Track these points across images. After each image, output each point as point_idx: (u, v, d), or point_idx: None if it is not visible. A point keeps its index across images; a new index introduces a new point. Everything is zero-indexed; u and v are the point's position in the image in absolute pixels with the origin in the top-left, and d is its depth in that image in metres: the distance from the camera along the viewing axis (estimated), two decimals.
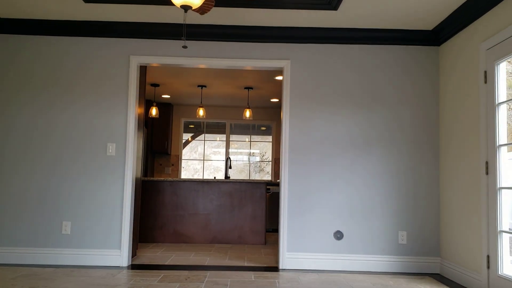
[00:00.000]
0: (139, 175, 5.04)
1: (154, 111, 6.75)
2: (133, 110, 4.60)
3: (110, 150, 4.57)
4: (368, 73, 4.68)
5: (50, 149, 4.57)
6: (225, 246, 5.99)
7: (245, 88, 6.82)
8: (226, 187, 6.28)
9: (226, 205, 6.26)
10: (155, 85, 6.76)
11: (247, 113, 6.82)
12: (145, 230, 6.18)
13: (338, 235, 4.54)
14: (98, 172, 4.55)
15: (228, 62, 4.65)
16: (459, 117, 4.21)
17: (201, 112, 6.73)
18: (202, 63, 4.67)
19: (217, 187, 6.27)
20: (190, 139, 9.38)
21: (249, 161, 9.36)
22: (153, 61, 4.65)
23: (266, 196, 6.31)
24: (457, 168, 4.21)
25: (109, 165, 4.56)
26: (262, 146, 9.94)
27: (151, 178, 6.20)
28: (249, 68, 4.76)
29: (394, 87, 4.67)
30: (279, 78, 6.17)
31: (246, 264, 4.74)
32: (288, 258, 4.51)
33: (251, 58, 4.65)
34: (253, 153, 9.55)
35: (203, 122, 9.14)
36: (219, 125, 9.53)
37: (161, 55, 4.65)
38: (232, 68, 4.75)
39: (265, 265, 4.67)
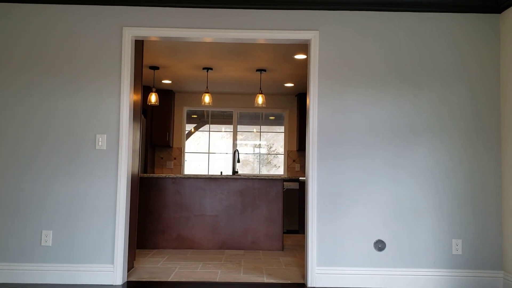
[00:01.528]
0: (135, 171, 4.21)
1: (153, 98, 5.90)
2: (127, 95, 3.76)
3: (100, 143, 3.74)
4: (415, 47, 3.83)
5: (26, 142, 3.73)
6: (237, 253, 5.18)
7: (257, 70, 5.96)
8: (237, 185, 5.46)
9: (237, 206, 5.44)
10: (154, 68, 5.91)
11: (259, 99, 5.97)
12: (145, 234, 5.37)
13: (380, 245, 3.72)
14: (85, 170, 3.72)
15: (240, 34, 3.80)
16: None
17: (206, 98, 5.88)
18: (210, 36, 3.81)
19: (226, 185, 5.45)
20: (193, 130, 8.55)
21: (259, 153, 8.53)
22: (150, 33, 3.80)
23: (283, 195, 5.50)
24: None
25: (99, 160, 3.73)
26: (269, 138, 9.15)
27: (151, 175, 5.37)
28: (263, 41, 3.91)
29: (447, 63, 3.82)
30: (300, 57, 5.30)
31: (265, 279, 3.92)
32: (318, 273, 3.69)
33: (268, 29, 3.80)
34: (260, 145, 8.74)
35: (207, 112, 8.29)
36: (224, 115, 8.69)
37: (161, 26, 3.80)
38: (245, 41, 3.90)
39: (289, 281, 3.86)
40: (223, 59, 5.48)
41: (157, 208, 5.41)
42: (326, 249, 3.72)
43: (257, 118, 8.59)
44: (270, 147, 9.14)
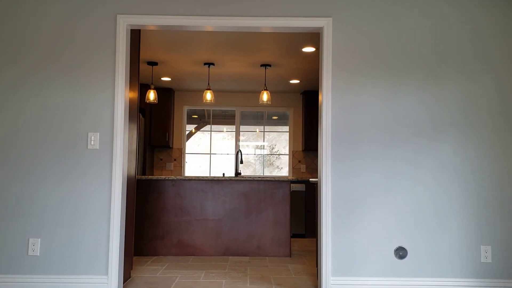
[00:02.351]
0: (132, 172, 3.87)
1: (152, 95, 5.56)
2: (122, 89, 3.43)
3: (93, 142, 3.40)
4: (439, 36, 3.50)
5: (12, 142, 3.40)
6: (242, 260, 4.84)
7: (262, 65, 5.62)
8: (241, 187, 5.12)
9: (241, 209, 5.10)
10: (152, 63, 5.57)
11: (264, 96, 5.62)
12: (143, 240, 5.03)
13: (401, 253, 3.38)
14: (77, 171, 3.39)
15: (244, 22, 3.46)
16: None
17: (208, 95, 5.54)
18: (211, 24, 3.48)
19: (229, 187, 5.11)
20: (194, 130, 8.22)
21: (262, 154, 8.19)
22: (147, 22, 3.47)
23: (290, 197, 5.16)
24: None
25: (92, 161, 3.40)
26: (271, 139, 8.82)
27: (149, 177, 5.03)
28: (269, 29, 3.58)
29: (473, 54, 3.48)
30: (308, 49, 4.96)
31: None
32: (333, 284, 3.35)
33: (275, 16, 3.47)
34: (262, 146, 8.42)
35: (208, 112, 7.95)
36: (226, 115, 8.36)
37: (158, 13, 3.47)
38: (249, 29, 3.57)
39: None
40: (225, 53, 5.15)
41: (156, 212, 5.07)
42: (342, 257, 3.38)
43: (259, 118, 8.27)
44: (272, 148, 8.83)
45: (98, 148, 3.40)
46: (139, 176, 5.03)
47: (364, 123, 3.46)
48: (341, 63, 3.47)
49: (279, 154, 8.26)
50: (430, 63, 3.48)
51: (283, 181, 5.15)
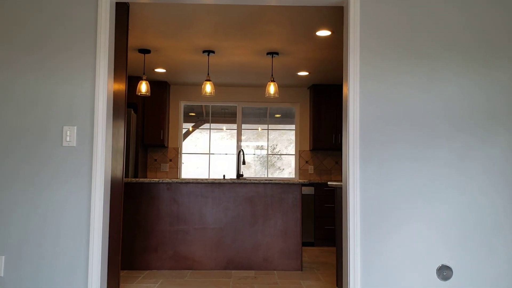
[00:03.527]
0: (118, 174, 3.26)
1: (144, 87, 4.93)
2: (105, 76, 2.82)
3: (68, 138, 2.78)
4: (492, 7, 2.90)
5: None
6: (247, 274, 4.22)
7: (268, 54, 5.00)
8: (245, 191, 4.51)
9: (246, 216, 4.49)
10: (144, 51, 4.95)
11: (271, 89, 5.00)
12: (133, 253, 4.41)
13: (445, 273, 2.77)
14: (49, 173, 2.77)
15: None
16: None
17: (208, 87, 4.92)
18: None
19: (232, 191, 4.50)
20: (191, 129, 7.61)
21: (267, 154, 7.58)
22: None
23: (300, 203, 4.55)
24: None
25: (67, 160, 2.78)
26: (272, 138, 8.24)
27: (141, 180, 4.41)
28: (276, 1, 2.97)
29: None
30: (323, 33, 4.33)
31: None
32: None
33: None
34: (261, 146, 7.83)
35: (207, 109, 7.34)
36: (225, 113, 7.75)
37: None
38: (256, 2, 2.97)
39: None
40: (227, 37, 4.54)
41: (148, 220, 4.45)
42: (372, 277, 2.77)
43: (261, 116, 7.66)
44: (274, 148, 8.26)
45: (75, 145, 2.78)
46: (129, 179, 4.41)
47: (398, 117, 2.85)
48: (370, 45, 2.87)
49: (283, 154, 7.66)
50: (470, 49, 2.87)
51: (293, 184, 4.54)
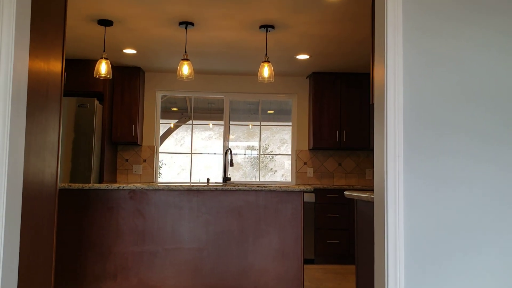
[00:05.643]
0: (48, 178, 2.27)
1: (103, 68, 3.88)
2: (8, 47, 1.81)
3: None
4: None
5: None
6: None
7: (262, 27, 4.01)
8: (232, 200, 3.51)
9: (233, 232, 3.49)
10: (105, 22, 3.91)
11: (265, 71, 4.00)
12: (86, 281, 3.38)
13: None
14: None
15: None
16: None
17: (185, 69, 3.90)
18: None
19: (215, 200, 3.50)
20: (173, 126, 6.61)
21: (259, 154, 6.61)
22: None
23: (302, 214, 3.59)
24: None
25: None
26: (264, 138, 7.31)
27: (94, 186, 3.39)
28: None
29: None
30: None
31: None
32: None
33: None
34: (253, 146, 6.91)
35: (190, 102, 6.33)
36: (212, 108, 6.79)
37: None
38: None
39: None
40: (210, 3, 3.54)
41: (105, 238, 3.42)
42: None
43: (252, 113, 6.69)
44: (266, 149, 7.34)
45: None
46: (80, 185, 3.39)
47: (459, 94, 1.89)
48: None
49: (277, 155, 6.69)
50: None
51: (292, 191, 3.56)
